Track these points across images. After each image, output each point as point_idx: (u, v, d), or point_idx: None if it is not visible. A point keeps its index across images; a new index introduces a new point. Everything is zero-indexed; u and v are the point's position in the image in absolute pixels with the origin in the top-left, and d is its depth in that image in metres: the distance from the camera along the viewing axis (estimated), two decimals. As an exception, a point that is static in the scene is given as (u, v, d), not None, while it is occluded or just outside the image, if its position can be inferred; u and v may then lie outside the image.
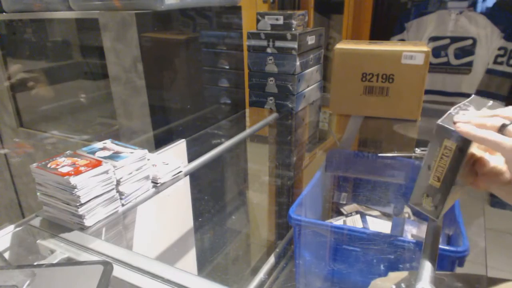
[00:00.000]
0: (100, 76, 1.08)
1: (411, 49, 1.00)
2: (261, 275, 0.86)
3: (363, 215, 1.03)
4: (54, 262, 0.52)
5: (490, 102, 0.49)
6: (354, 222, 1.02)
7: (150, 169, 0.70)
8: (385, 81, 1.04)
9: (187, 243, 1.03)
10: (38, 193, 0.61)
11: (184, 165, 0.79)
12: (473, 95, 0.51)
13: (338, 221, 1.03)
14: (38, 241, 0.56)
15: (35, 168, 0.59)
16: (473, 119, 0.44)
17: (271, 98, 1.15)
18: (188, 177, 0.83)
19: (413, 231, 0.92)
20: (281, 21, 1.09)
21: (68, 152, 0.65)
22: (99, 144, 0.69)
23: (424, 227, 0.92)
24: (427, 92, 1.77)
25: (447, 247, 0.68)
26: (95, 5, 0.97)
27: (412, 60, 0.99)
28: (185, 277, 0.48)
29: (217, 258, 1.17)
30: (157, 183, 0.71)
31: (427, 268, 0.49)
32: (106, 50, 0.96)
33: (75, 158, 0.62)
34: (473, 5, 1.89)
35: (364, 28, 2.15)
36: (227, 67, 1.22)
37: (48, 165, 0.59)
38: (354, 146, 1.22)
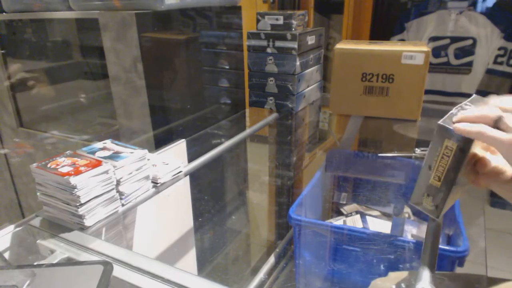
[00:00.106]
0: (100, 76, 1.08)
1: (411, 49, 1.00)
2: (261, 275, 0.86)
3: (363, 215, 1.03)
4: (54, 262, 0.52)
5: None
6: (354, 222, 1.02)
7: (150, 169, 0.70)
8: (385, 81, 1.04)
9: (187, 243, 1.02)
10: (38, 193, 0.61)
11: (184, 165, 0.79)
12: (474, 95, 0.50)
13: (338, 221, 1.03)
14: (38, 241, 0.56)
15: (35, 168, 0.59)
16: (470, 113, 0.44)
17: (271, 98, 1.15)
18: (188, 177, 0.83)
19: (413, 231, 0.92)
20: (281, 21, 1.09)
21: (68, 152, 0.65)
22: (99, 144, 0.69)
23: (424, 227, 0.92)
24: (427, 92, 1.77)
25: (447, 247, 0.68)
26: (95, 5, 0.97)
27: (412, 60, 0.99)
28: (185, 277, 0.48)
29: (217, 258, 1.17)
30: (157, 183, 0.71)
31: (427, 268, 0.49)
32: (106, 50, 0.96)
33: (75, 158, 0.62)
34: (473, 5, 1.89)
35: (364, 28, 2.15)
36: (227, 67, 1.22)
37: (48, 165, 0.59)
38: (354, 146, 1.22)
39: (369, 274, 0.77)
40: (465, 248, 0.68)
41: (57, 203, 0.59)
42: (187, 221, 1.02)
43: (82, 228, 0.59)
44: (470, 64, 1.93)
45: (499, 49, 1.86)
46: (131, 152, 0.66)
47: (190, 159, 0.89)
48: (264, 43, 1.10)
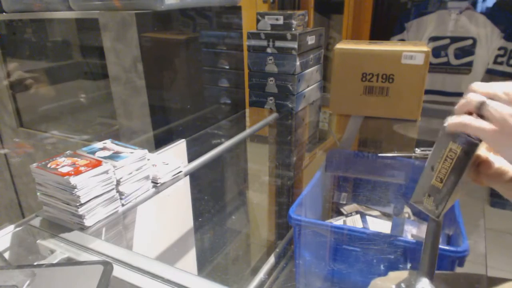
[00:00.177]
0: (100, 76, 1.08)
1: (411, 49, 1.00)
2: (261, 275, 0.86)
3: (363, 215, 1.03)
4: (54, 262, 0.52)
5: None
6: (354, 222, 1.01)
7: (150, 169, 0.70)
8: (385, 81, 1.04)
9: (187, 243, 1.02)
10: (38, 193, 0.61)
11: (184, 165, 0.79)
12: None
13: (338, 221, 1.03)
14: (38, 241, 0.56)
15: (35, 168, 0.59)
16: (457, 105, 0.43)
17: (271, 98, 1.15)
18: (188, 177, 0.83)
19: (413, 231, 0.92)
20: (281, 21, 1.09)
21: (68, 152, 0.65)
22: (99, 144, 0.69)
23: (424, 227, 0.92)
24: (427, 92, 1.77)
25: (447, 247, 0.68)
26: (95, 5, 0.97)
27: (412, 60, 0.99)
28: (185, 277, 0.48)
29: (217, 258, 1.17)
30: (157, 183, 0.71)
31: (427, 268, 0.49)
32: (106, 50, 0.96)
33: (75, 158, 0.62)
34: (473, 5, 1.89)
35: (364, 28, 2.15)
36: (227, 67, 1.22)
37: (48, 165, 0.59)
38: (354, 146, 1.22)
39: (369, 274, 0.77)
40: (465, 248, 0.68)
41: (57, 203, 0.59)
42: (187, 221, 1.02)
43: (82, 228, 0.59)
44: (470, 64, 1.93)
45: (499, 49, 1.86)
46: (131, 152, 0.66)
47: (190, 159, 0.89)
48: (264, 43, 1.10)
